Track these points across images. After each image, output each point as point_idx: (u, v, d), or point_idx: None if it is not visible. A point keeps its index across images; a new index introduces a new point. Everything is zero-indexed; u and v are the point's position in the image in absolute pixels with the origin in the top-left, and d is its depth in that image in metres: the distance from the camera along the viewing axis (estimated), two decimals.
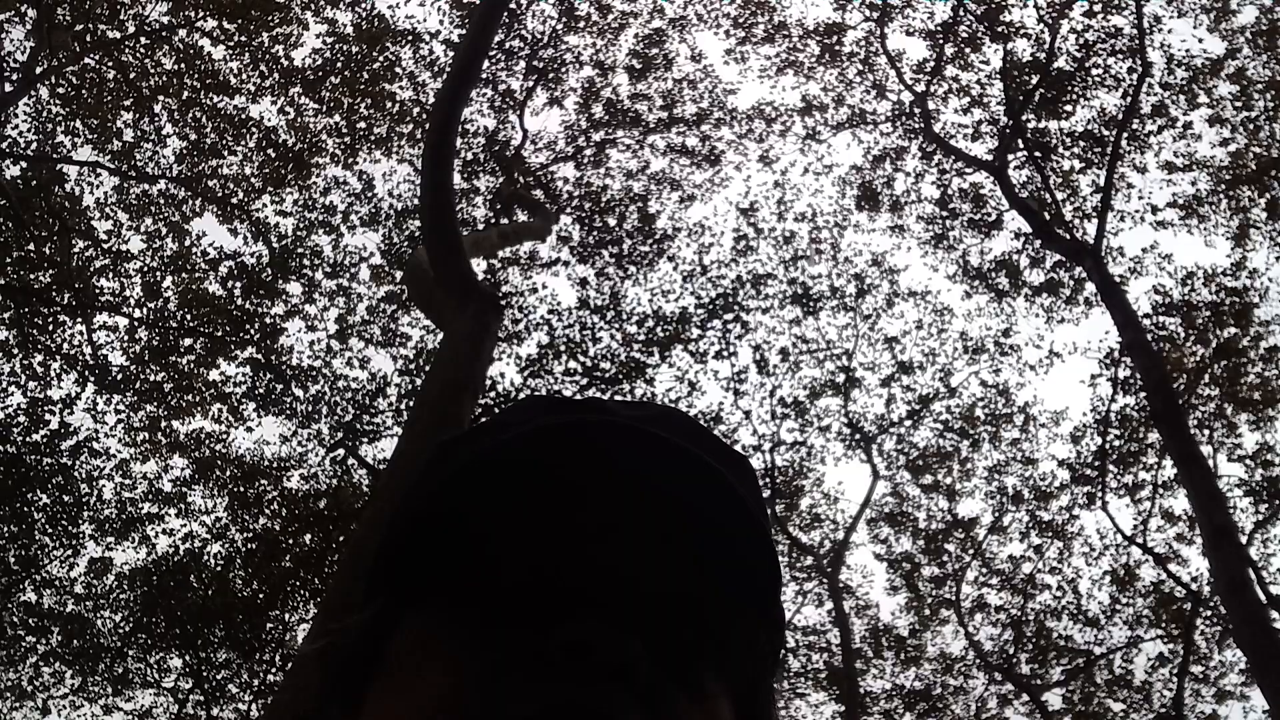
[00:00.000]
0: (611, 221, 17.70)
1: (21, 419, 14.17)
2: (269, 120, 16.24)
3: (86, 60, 15.09)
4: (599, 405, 0.67)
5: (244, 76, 15.65)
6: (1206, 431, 16.69)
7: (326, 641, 0.64)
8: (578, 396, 0.74)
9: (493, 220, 16.61)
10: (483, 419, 0.74)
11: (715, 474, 0.57)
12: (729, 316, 17.36)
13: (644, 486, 0.57)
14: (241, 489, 15.19)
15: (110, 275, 14.97)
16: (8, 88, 13.97)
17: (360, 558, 6.36)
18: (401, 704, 0.55)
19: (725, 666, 0.58)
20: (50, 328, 14.39)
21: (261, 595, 14.07)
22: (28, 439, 14.22)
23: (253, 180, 16.21)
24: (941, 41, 16.55)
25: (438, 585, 0.58)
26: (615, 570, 0.56)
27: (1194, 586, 16.36)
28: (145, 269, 15.21)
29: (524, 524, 0.57)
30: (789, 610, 19.97)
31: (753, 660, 0.61)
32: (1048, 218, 15.21)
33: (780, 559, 0.70)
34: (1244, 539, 14.76)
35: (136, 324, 15.07)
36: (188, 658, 14.74)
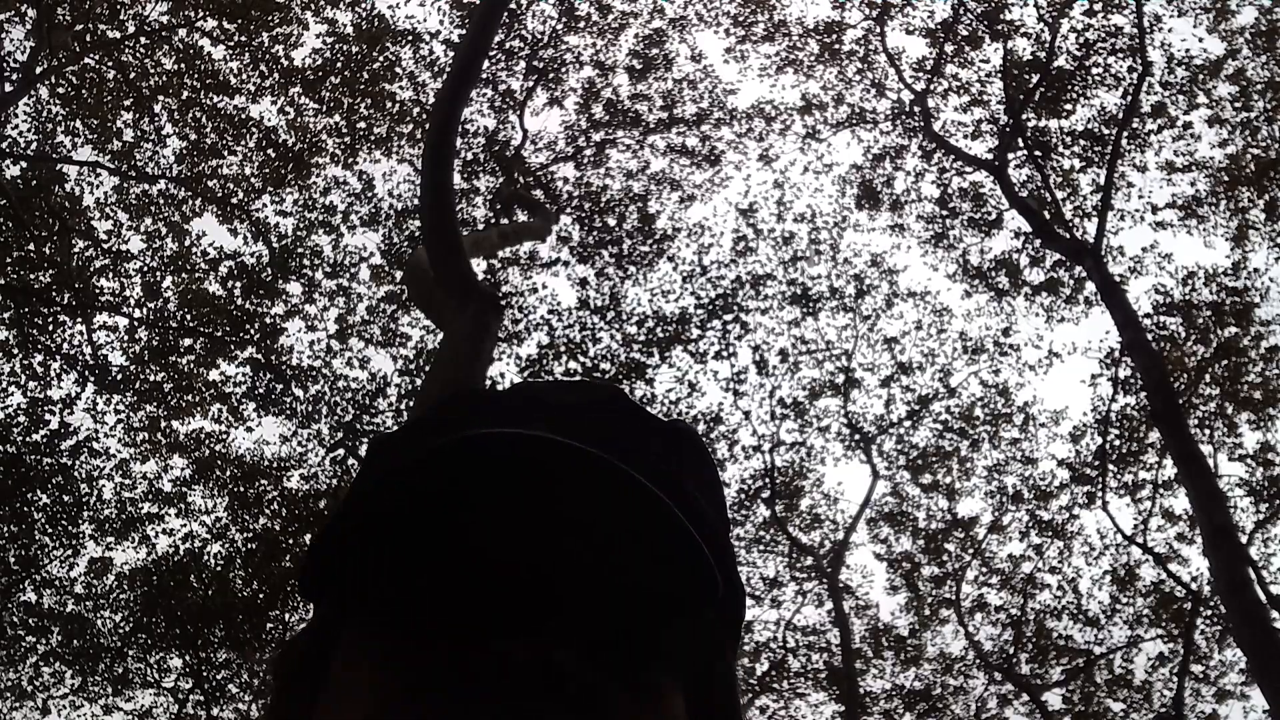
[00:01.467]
0: (611, 221, 17.71)
1: (21, 419, 14.19)
2: (269, 120, 16.26)
3: (86, 60, 15.10)
4: (527, 392, 0.67)
5: (244, 76, 15.65)
6: (1207, 431, 16.69)
7: (282, 649, 0.64)
8: (510, 384, 0.73)
9: (493, 220, 16.61)
10: (415, 419, 0.73)
11: (634, 479, 0.55)
12: (729, 317, 17.37)
13: (564, 494, 0.56)
14: (241, 489, 15.20)
15: (110, 275, 14.99)
16: (8, 87, 13.97)
17: None
18: (334, 718, 0.55)
19: (672, 658, 0.57)
20: (50, 328, 14.40)
21: (261, 595, 14.08)
22: (28, 439, 14.23)
23: (253, 180, 16.22)
24: (941, 40, 16.55)
25: (365, 592, 0.57)
26: (546, 578, 0.55)
27: (1194, 586, 16.37)
28: (145, 269, 15.22)
29: (450, 534, 0.56)
30: (789, 610, 20.00)
31: (703, 646, 0.60)
32: (1048, 217, 15.21)
33: (729, 534, 0.69)
34: (1244, 538, 14.77)
35: (136, 324, 15.08)
36: (188, 658, 14.76)
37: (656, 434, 0.65)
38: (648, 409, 0.67)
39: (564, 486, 0.56)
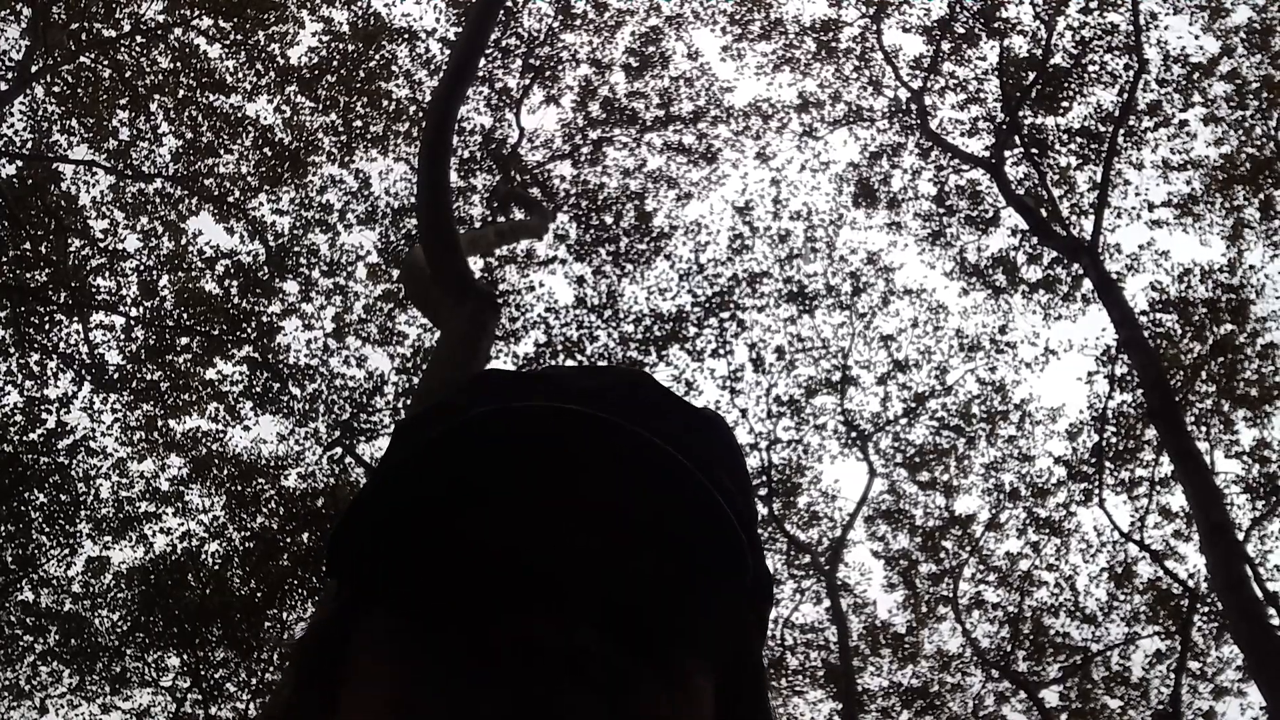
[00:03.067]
0: (608, 219, 17.71)
1: (18, 418, 14.17)
2: (265, 119, 16.25)
3: (82, 59, 15.08)
4: (553, 376, 0.66)
5: (240, 75, 15.65)
6: (1203, 428, 16.71)
7: (304, 634, 0.64)
8: (533, 369, 0.73)
9: (489, 218, 16.61)
10: (441, 399, 0.73)
11: (667, 454, 0.54)
12: (725, 315, 17.38)
13: (595, 469, 0.55)
14: (239, 488, 15.19)
15: (106, 274, 14.97)
16: (3, 86, 13.95)
17: None
18: (357, 707, 0.55)
19: (701, 643, 0.56)
20: (46, 327, 14.38)
21: (259, 594, 14.07)
22: (24, 438, 14.21)
23: (249, 179, 16.21)
24: (938, 37, 16.56)
25: (387, 576, 0.56)
26: (572, 556, 0.54)
27: (1191, 583, 16.40)
28: (141, 268, 15.21)
29: (474, 511, 0.55)
30: (787, 609, 20.00)
31: (731, 632, 0.59)
32: (1044, 214, 15.22)
33: (758, 523, 0.68)
34: (1241, 535, 14.80)
35: (133, 323, 15.07)
36: (185, 656, 14.75)
37: (686, 419, 0.64)
38: (678, 395, 0.66)
39: (590, 461, 0.55)
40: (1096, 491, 17.02)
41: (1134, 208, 17.24)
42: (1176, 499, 17.36)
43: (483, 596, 0.53)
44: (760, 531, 0.68)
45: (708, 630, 0.57)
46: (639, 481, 0.55)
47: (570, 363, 15.45)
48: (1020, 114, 15.94)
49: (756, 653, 0.63)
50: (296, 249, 15.88)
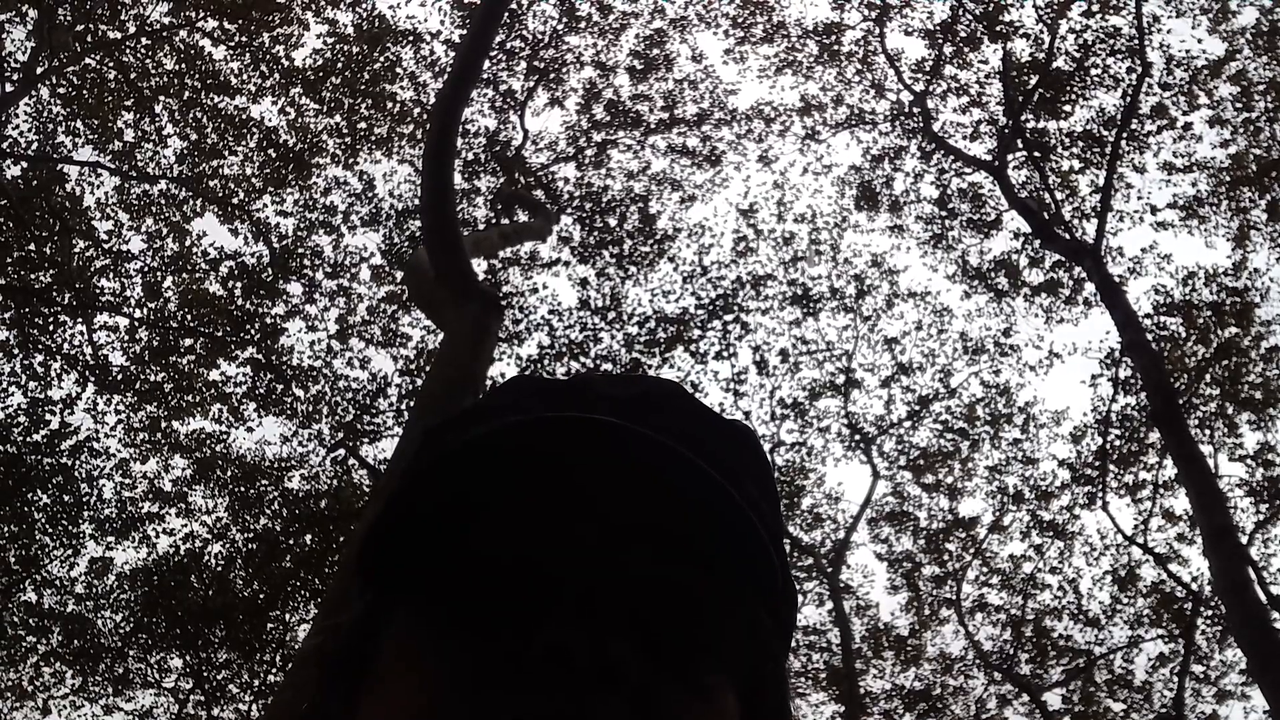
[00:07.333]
0: (612, 222, 17.71)
1: (22, 419, 14.19)
2: (270, 120, 16.27)
3: (87, 60, 15.10)
4: (586, 383, 0.66)
5: (245, 77, 15.67)
6: (1207, 431, 16.68)
7: (324, 637, 0.64)
8: (564, 376, 0.73)
9: (493, 220, 16.61)
10: (470, 405, 0.72)
11: (697, 467, 0.55)
12: (729, 317, 17.38)
13: (626, 481, 0.55)
14: (242, 489, 15.20)
15: (111, 275, 14.99)
16: (8, 88, 13.98)
17: None
18: (384, 710, 0.55)
19: (727, 656, 0.56)
20: (51, 328, 14.40)
21: (262, 595, 14.08)
22: (28, 439, 14.23)
23: (253, 180, 16.22)
24: (940, 41, 16.55)
25: (419, 581, 0.56)
26: (602, 566, 0.54)
27: (1194, 586, 16.36)
28: (146, 269, 15.23)
29: (504, 519, 0.56)
30: None
31: (756, 646, 0.59)
32: (1047, 218, 15.21)
33: (783, 537, 0.68)
34: (1244, 539, 14.77)
35: (137, 324, 15.08)
36: (188, 658, 14.76)
37: (716, 430, 0.64)
38: (708, 406, 0.66)
39: (619, 472, 0.55)
40: (1100, 494, 17.00)
41: (1137, 211, 17.23)
42: (1180, 502, 17.33)
43: (515, 605, 0.53)
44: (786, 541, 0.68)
45: (734, 646, 0.57)
46: (668, 493, 0.55)
47: (575, 365, 15.47)
48: (1023, 117, 15.93)
49: (780, 664, 0.63)
50: (300, 251, 15.90)
